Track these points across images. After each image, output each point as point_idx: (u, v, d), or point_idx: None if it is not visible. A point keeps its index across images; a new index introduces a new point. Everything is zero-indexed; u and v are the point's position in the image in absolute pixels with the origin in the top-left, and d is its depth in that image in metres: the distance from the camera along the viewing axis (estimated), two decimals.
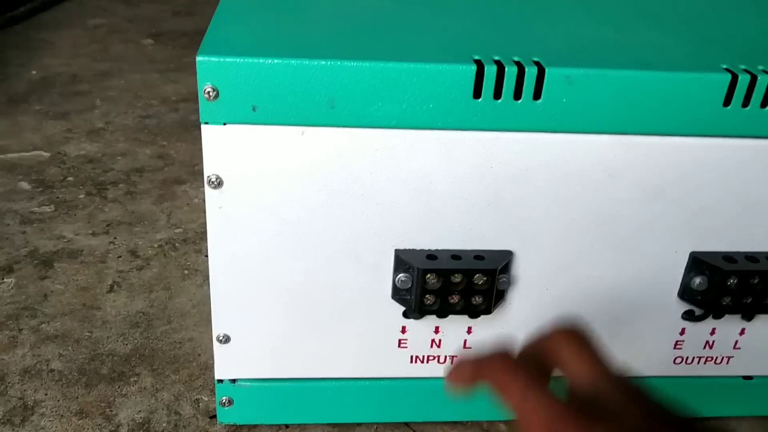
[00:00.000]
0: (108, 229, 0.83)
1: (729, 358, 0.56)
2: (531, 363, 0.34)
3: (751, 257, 0.50)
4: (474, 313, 0.50)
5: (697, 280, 0.50)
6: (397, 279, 0.48)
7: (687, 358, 0.56)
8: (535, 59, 0.44)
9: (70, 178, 0.94)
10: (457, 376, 0.33)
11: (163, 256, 0.79)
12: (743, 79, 0.45)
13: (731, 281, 0.50)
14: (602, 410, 0.29)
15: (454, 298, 0.48)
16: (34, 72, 1.31)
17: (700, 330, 0.54)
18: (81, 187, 0.92)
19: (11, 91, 1.21)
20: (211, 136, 0.44)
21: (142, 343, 0.66)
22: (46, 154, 1.00)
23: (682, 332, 0.54)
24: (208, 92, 0.42)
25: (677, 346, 0.55)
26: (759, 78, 0.45)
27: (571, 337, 0.33)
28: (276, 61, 0.42)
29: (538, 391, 0.30)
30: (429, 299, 0.48)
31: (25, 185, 0.92)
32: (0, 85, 1.24)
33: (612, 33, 0.51)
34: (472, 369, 0.33)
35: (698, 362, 0.56)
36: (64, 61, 1.37)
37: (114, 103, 1.19)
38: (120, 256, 0.78)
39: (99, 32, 1.55)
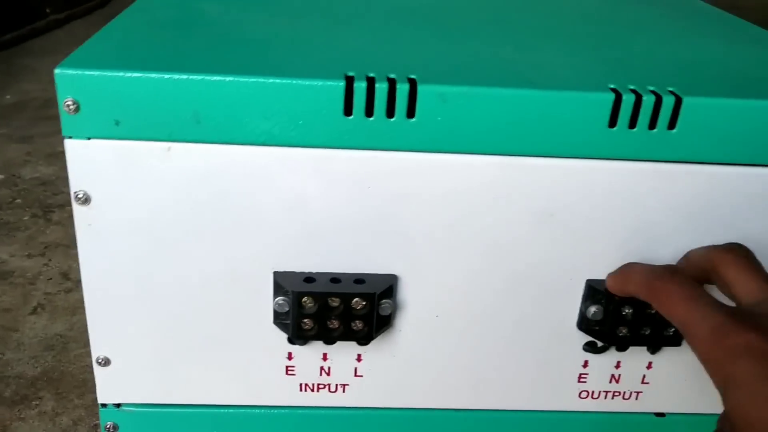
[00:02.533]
0: (45, 251, 0.83)
1: (638, 393, 0.54)
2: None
3: None
4: (357, 339, 0.48)
5: (593, 309, 0.48)
6: (275, 303, 0.47)
7: (593, 392, 0.53)
8: (411, 76, 0.43)
9: (19, 200, 0.94)
10: (622, 280, 0.35)
11: None
12: (627, 99, 0.43)
13: (626, 311, 0.47)
14: None
15: (334, 323, 0.47)
16: (8, 96, 1.32)
17: (604, 363, 0.52)
18: (27, 209, 0.92)
19: None
20: (75, 150, 0.43)
21: (52, 366, 0.65)
22: (1, 176, 1.00)
23: (585, 365, 0.52)
24: (68, 105, 0.42)
25: (581, 380, 0.53)
26: (644, 98, 0.43)
27: (738, 256, 0.35)
28: (136, 74, 0.41)
29: (706, 299, 0.30)
30: (307, 324, 0.47)
31: None
32: None
33: (509, 52, 0.50)
34: (639, 275, 0.33)
35: (605, 397, 0.53)
36: (41, 87, 1.38)
37: None
38: (51, 278, 0.78)
39: None
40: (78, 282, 0.77)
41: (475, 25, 0.57)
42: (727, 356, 0.30)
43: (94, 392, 0.62)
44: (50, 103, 1.29)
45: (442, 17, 0.60)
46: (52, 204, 0.93)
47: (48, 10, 1.80)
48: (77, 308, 0.73)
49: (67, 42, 1.69)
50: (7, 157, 1.07)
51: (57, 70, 0.41)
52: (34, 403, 0.60)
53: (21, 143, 1.12)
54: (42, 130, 1.17)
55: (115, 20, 0.51)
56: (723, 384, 0.31)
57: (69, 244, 0.84)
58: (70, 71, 0.41)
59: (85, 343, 0.68)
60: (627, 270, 0.43)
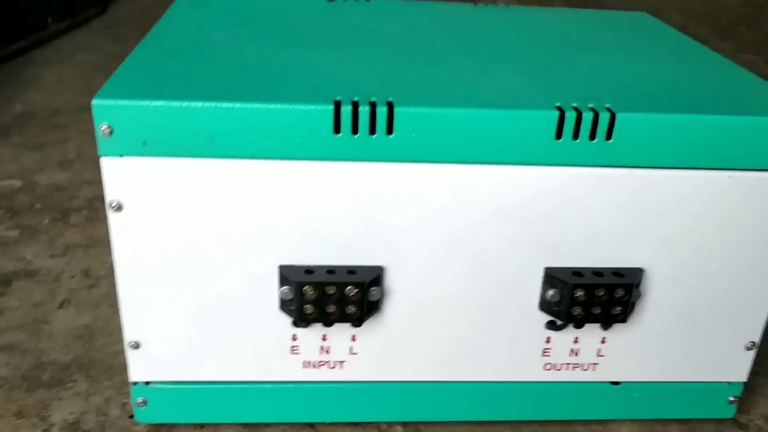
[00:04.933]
0: (66, 251, 0.91)
1: (594, 365, 0.62)
2: None
3: (597, 272, 0.56)
4: (351, 321, 0.56)
5: (551, 293, 0.57)
6: (281, 292, 0.55)
7: (556, 365, 0.62)
8: (390, 99, 0.51)
9: (38, 205, 1.02)
10: None
11: (113, 276, 0.86)
12: (570, 116, 0.52)
13: (578, 294, 0.56)
14: None
15: (331, 308, 0.55)
16: (18, 106, 1.39)
17: (564, 339, 0.60)
18: (47, 213, 1.00)
19: None
20: (109, 166, 0.51)
21: (83, 353, 0.73)
22: (19, 183, 1.08)
23: (548, 341, 0.60)
24: (104, 130, 0.50)
25: (545, 354, 0.61)
26: (584, 114, 0.52)
27: None
28: (160, 103, 0.49)
29: None
30: (308, 309, 0.55)
31: None
32: None
33: (473, 74, 0.58)
34: None
35: (567, 368, 0.62)
36: (48, 96, 1.45)
37: (88, 135, 1.27)
38: (73, 276, 0.86)
39: (84, 68, 1.64)
40: (98, 279, 0.85)
41: (442, 49, 0.65)
42: None
43: (122, 375, 0.70)
44: (58, 112, 1.37)
45: (412, 43, 0.68)
46: (68, 208, 1.01)
47: (50, 20, 1.87)
48: (100, 302, 0.81)
49: (69, 51, 1.77)
50: (23, 164, 1.15)
51: (94, 101, 0.49)
52: (69, 385, 0.69)
53: (34, 151, 1.20)
54: (52, 138, 1.25)
55: (134, 52, 0.60)
56: None
57: (87, 245, 0.92)
58: (106, 102, 0.49)
59: (110, 333, 0.76)
60: None
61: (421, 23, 0.75)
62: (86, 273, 0.86)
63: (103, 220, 0.98)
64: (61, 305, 0.81)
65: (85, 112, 1.37)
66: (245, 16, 0.72)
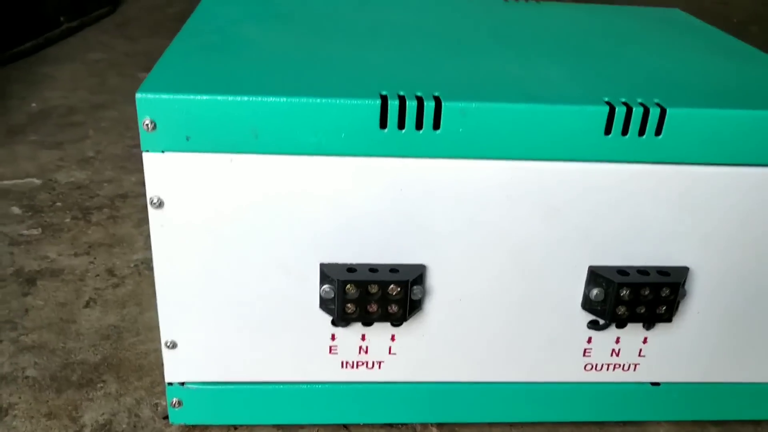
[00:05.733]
0: (89, 250, 0.90)
1: (636, 365, 0.61)
2: None
3: (643, 271, 0.56)
4: (392, 320, 0.55)
5: (595, 292, 0.56)
6: (322, 290, 0.54)
7: (596, 365, 0.61)
8: (436, 94, 0.51)
9: (59, 204, 1.01)
10: None
11: (138, 275, 0.85)
12: (620, 111, 0.51)
13: (624, 292, 0.55)
14: None
15: (373, 307, 0.54)
16: (33, 104, 1.39)
17: (605, 339, 0.60)
18: (68, 211, 0.99)
19: (11, 123, 1.29)
20: (151, 162, 0.50)
21: (111, 353, 0.72)
22: (38, 182, 1.08)
23: (589, 341, 0.59)
24: (147, 124, 0.49)
25: (586, 354, 0.60)
26: (634, 110, 0.51)
27: None
28: (205, 97, 0.48)
29: None
30: (350, 308, 0.54)
31: (16, 210, 0.99)
32: (1, 117, 1.31)
33: (516, 69, 0.58)
34: None
35: (607, 369, 0.61)
36: (63, 94, 1.45)
37: (105, 133, 1.26)
38: (98, 275, 0.85)
39: (98, 66, 1.63)
40: (123, 278, 0.84)
41: (480, 43, 0.65)
42: None
43: (151, 375, 0.69)
44: (73, 110, 1.36)
45: (449, 36, 0.67)
46: (90, 206, 1.01)
47: (62, 19, 1.86)
48: (126, 302, 0.80)
49: (82, 49, 1.76)
50: (42, 162, 1.14)
51: (138, 95, 0.48)
52: (99, 385, 0.68)
53: (52, 149, 1.19)
54: (69, 136, 1.24)
55: (171, 47, 0.59)
56: None
57: (111, 243, 0.91)
58: (149, 95, 0.48)
59: (137, 333, 0.75)
60: None
61: (457, 17, 0.74)
62: (110, 272, 0.86)
63: (126, 219, 0.97)
64: (87, 304, 0.80)
65: (101, 109, 1.36)
66: (277, 10, 0.72)
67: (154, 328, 0.76)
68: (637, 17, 0.79)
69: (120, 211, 0.99)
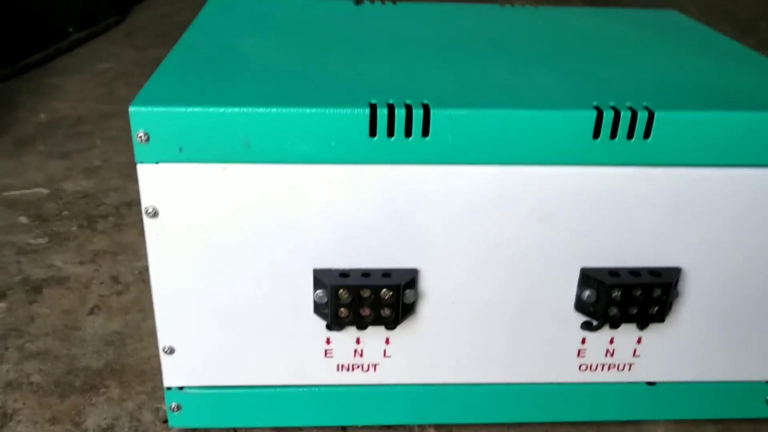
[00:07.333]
0: (94, 258, 0.91)
1: (630, 365, 0.61)
2: None
3: (634, 272, 0.56)
4: (385, 324, 0.56)
5: (587, 293, 0.56)
6: (315, 295, 0.55)
7: (591, 365, 0.61)
8: (425, 101, 0.51)
9: (65, 213, 1.03)
10: None
11: (141, 282, 0.86)
12: (608, 115, 0.51)
13: (615, 294, 0.55)
14: None
15: (366, 311, 0.55)
16: (42, 115, 1.41)
17: (599, 339, 0.60)
18: (74, 220, 1.01)
19: (20, 134, 1.31)
20: (146, 173, 0.51)
21: (114, 359, 0.73)
22: (46, 191, 1.09)
23: (583, 341, 0.60)
24: (141, 137, 0.50)
25: (580, 355, 0.61)
26: (622, 114, 0.51)
27: None
28: (197, 109, 0.49)
29: None
30: (343, 312, 0.55)
31: (23, 219, 1.01)
32: (11, 128, 1.33)
33: (506, 74, 0.58)
34: None
35: (602, 369, 0.61)
36: (71, 104, 1.47)
37: (112, 142, 1.28)
38: (102, 282, 0.86)
39: (106, 76, 1.65)
40: (127, 285, 0.86)
41: (472, 50, 0.65)
42: None
43: (153, 380, 0.70)
44: (81, 120, 1.38)
45: (442, 44, 0.67)
46: (95, 215, 1.02)
47: (71, 29, 1.88)
48: (129, 309, 0.81)
49: (90, 60, 1.78)
50: (49, 172, 1.16)
51: (131, 108, 0.49)
52: (101, 390, 0.69)
53: (60, 159, 1.21)
54: (77, 146, 1.26)
55: (167, 59, 0.60)
56: None
57: (116, 251, 0.92)
58: (143, 108, 0.49)
59: (140, 339, 0.77)
60: None
61: (449, 25, 0.75)
62: (115, 279, 0.87)
63: (131, 227, 0.99)
64: (91, 311, 0.81)
65: (108, 119, 1.38)
66: (274, 22, 0.73)
67: (156, 334, 0.77)
68: (632, 20, 0.79)
69: (125, 219, 1.01)
